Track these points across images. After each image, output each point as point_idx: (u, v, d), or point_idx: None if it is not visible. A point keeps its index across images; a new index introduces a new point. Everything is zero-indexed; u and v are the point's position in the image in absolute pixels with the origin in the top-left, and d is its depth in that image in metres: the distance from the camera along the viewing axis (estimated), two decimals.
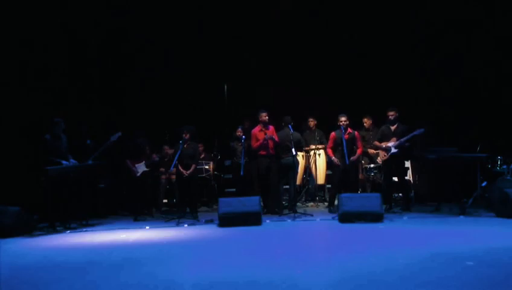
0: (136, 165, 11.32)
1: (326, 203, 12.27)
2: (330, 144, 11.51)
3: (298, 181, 12.71)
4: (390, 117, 11.23)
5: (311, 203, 12.66)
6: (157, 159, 11.65)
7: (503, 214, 9.91)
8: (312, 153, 12.64)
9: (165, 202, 12.69)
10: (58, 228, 10.10)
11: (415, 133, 11.09)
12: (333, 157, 11.33)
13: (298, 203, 12.34)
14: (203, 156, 12.69)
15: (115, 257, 7.53)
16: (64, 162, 10.41)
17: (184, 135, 11.07)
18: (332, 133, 11.49)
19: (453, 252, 7.16)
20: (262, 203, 11.11)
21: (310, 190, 12.98)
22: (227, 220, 10.05)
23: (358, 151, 11.40)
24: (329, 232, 9.35)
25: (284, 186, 12.21)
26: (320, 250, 7.92)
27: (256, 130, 11.42)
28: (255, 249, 7.95)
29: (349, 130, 11.23)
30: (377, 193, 10.71)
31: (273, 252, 7.68)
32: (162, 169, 12.21)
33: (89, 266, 7.06)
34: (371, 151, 12.36)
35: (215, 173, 12.75)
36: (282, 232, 9.39)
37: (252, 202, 10.30)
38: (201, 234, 9.39)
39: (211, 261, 7.09)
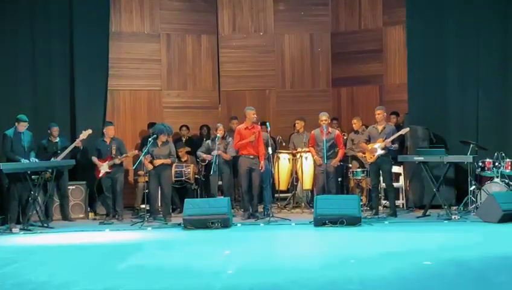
0: (101, 165, 10.78)
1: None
2: (311, 143, 11.04)
3: (284, 186, 12.09)
4: (377, 117, 10.61)
5: (298, 209, 11.98)
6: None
7: (488, 218, 9.40)
8: (299, 156, 11.98)
9: (143, 207, 12.12)
10: (13, 230, 9.62)
11: (400, 132, 10.60)
12: (315, 157, 10.88)
13: (285, 209, 11.80)
14: (186, 159, 12.16)
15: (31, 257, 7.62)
16: (24, 160, 9.96)
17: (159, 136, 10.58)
18: (312, 133, 11.00)
19: (409, 251, 7.26)
20: (246, 206, 10.62)
21: (297, 195, 12.32)
22: (192, 223, 9.51)
23: (340, 153, 10.78)
24: (293, 236, 9.05)
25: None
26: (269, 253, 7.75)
27: (241, 127, 10.78)
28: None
29: (329, 129, 10.62)
30: (355, 195, 10.26)
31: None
32: (141, 172, 11.68)
33: None
34: (360, 154, 11.64)
35: (196, 176, 12.17)
36: (244, 236, 9.01)
37: (219, 204, 9.80)
38: (152, 237, 9.14)
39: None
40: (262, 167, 10.47)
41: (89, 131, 10.83)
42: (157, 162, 10.52)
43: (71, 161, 10.70)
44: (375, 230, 9.16)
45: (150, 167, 10.49)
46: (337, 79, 13.81)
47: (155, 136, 10.56)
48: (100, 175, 10.76)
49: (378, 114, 10.60)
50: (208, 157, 11.18)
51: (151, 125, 12.05)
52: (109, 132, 10.90)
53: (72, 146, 10.71)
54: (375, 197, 10.66)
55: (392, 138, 10.41)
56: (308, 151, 11.51)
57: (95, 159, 10.87)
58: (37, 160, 10.16)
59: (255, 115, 10.69)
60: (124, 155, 10.76)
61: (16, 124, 10.18)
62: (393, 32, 13.09)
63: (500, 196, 9.50)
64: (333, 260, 6.93)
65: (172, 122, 12.41)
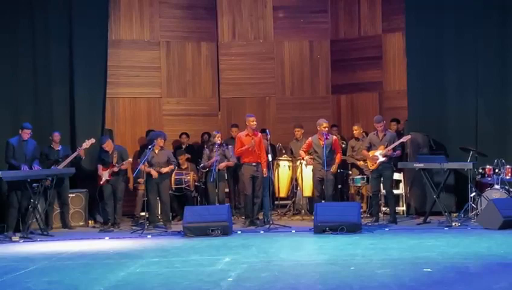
0: (102, 173, 10.77)
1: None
2: (305, 148, 10.91)
3: (284, 193, 12.08)
4: (378, 128, 10.65)
5: (298, 217, 11.96)
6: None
7: (489, 225, 9.38)
8: (298, 163, 11.96)
9: (143, 215, 12.10)
10: (13, 238, 9.61)
11: (402, 140, 10.64)
12: (306, 157, 10.78)
13: (285, 217, 11.82)
14: (186, 166, 12.14)
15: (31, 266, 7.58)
16: (25, 167, 9.97)
17: (156, 141, 10.58)
18: (309, 139, 10.91)
19: (409, 258, 7.36)
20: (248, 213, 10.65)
21: (297, 203, 12.30)
22: (192, 230, 9.52)
23: (337, 159, 10.77)
24: (293, 243, 9.02)
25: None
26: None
27: (242, 134, 10.81)
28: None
29: (327, 135, 10.61)
30: (355, 202, 10.26)
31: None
32: (140, 180, 11.67)
33: None
34: (360, 163, 11.60)
35: (196, 183, 12.16)
36: (244, 244, 8.92)
37: (219, 211, 9.82)
38: (152, 245, 9.11)
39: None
40: (265, 173, 10.52)
41: (92, 140, 10.79)
42: (163, 170, 10.51)
43: (71, 169, 10.66)
44: (375, 237, 9.12)
45: (156, 174, 10.48)
46: (336, 86, 13.81)
47: (154, 143, 10.57)
48: (101, 183, 10.75)
49: (380, 126, 10.62)
50: (209, 163, 11.13)
51: (149, 132, 12.06)
52: (107, 147, 10.83)
53: (74, 155, 10.65)
54: (375, 204, 10.65)
55: (393, 145, 10.43)
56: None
57: (99, 167, 10.83)
58: (40, 168, 10.18)
59: (255, 122, 10.71)
60: (121, 163, 10.73)
61: (20, 131, 10.22)
62: (392, 39, 13.09)
63: (500, 202, 9.47)
64: (333, 267, 6.93)
65: (172, 130, 12.45)
